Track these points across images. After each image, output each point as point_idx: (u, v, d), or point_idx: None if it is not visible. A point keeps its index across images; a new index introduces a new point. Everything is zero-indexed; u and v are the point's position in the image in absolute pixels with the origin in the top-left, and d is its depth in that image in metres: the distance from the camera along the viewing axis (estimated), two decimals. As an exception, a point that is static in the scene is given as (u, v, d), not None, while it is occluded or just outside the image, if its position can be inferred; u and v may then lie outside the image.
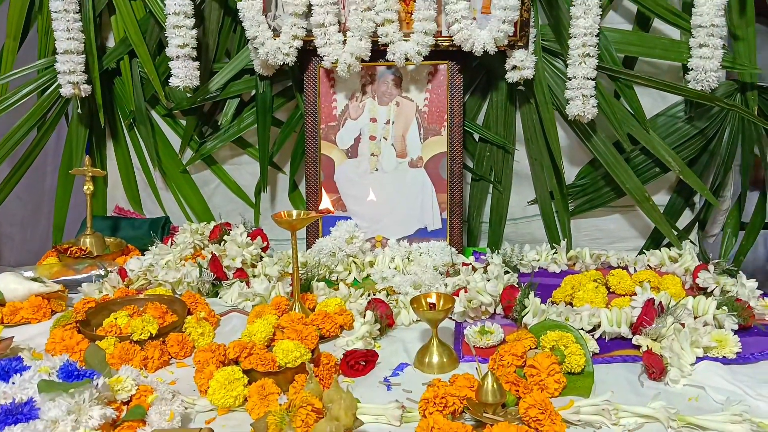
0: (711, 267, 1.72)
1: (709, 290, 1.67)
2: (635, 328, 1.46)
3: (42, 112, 2.08)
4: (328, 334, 1.50)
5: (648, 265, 1.87)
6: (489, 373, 1.12)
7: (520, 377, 1.25)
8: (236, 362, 1.28)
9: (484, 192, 2.09)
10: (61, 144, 2.24)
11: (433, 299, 1.39)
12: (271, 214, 2.20)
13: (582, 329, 1.46)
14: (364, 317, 1.53)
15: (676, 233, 1.97)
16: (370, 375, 1.35)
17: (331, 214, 1.59)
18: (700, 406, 1.21)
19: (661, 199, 2.01)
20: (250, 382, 1.22)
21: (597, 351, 1.41)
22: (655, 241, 2.04)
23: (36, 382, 1.02)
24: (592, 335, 1.46)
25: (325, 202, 1.45)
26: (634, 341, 1.43)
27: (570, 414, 1.14)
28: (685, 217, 2.04)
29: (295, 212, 1.56)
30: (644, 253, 1.91)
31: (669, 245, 1.95)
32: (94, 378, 1.06)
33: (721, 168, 1.96)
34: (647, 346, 1.38)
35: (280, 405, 0.98)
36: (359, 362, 1.34)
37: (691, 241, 1.99)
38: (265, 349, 1.30)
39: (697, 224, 2.05)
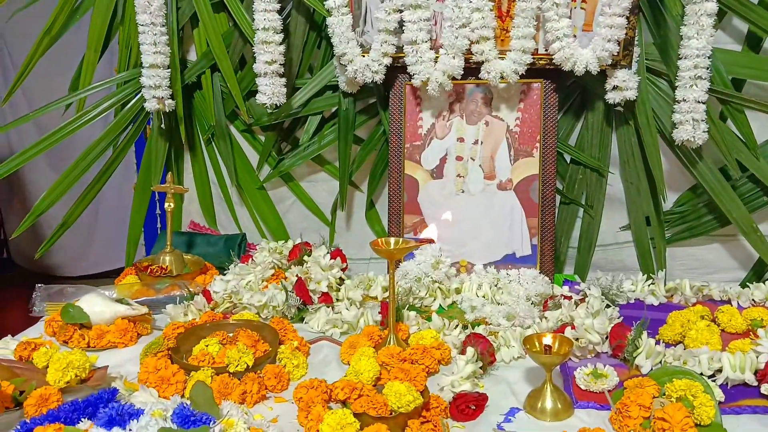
0: (830, 306, 1.61)
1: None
2: (761, 375, 1.35)
3: (121, 127, 2.04)
4: (427, 370, 1.42)
5: (753, 300, 1.76)
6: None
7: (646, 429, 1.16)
8: (343, 403, 1.22)
9: (573, 216, 1.99)
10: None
11: (548, 340, 1.31)
12: (347, 232, 2.18)
13: (701, 374, 1.36)
14: (462, 353, 1.45)
15: (782, 265, 1.85)
16: (480, 420, 1.27)
17: (432, 244, 1.50)
18: None
19: (765, 229, 1.89)
20: (361, 427, 1.16)
21: (722, 400, 1.31)
22: (757, 273, 1.92)
23: (152, 429, 0.97)
24: (713, 380, 1.36)
25: (431, 232, 1.37)
26: (763, 390, 1.32)
27: (717, 478, 1.05)
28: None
29: (393, 240, 1.49)
30: (748, 286, 1.80)
31: (774, 278, 1.83)
32: (211, 424, 1.01)
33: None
34: (781, 397, 1.28)
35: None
36: (469, 406, 1.27)
37: (798, 274, 1.87)
38: (374, 390, 1.23)
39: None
